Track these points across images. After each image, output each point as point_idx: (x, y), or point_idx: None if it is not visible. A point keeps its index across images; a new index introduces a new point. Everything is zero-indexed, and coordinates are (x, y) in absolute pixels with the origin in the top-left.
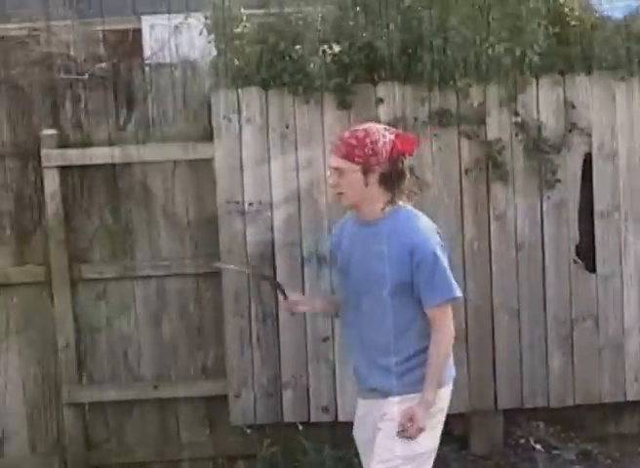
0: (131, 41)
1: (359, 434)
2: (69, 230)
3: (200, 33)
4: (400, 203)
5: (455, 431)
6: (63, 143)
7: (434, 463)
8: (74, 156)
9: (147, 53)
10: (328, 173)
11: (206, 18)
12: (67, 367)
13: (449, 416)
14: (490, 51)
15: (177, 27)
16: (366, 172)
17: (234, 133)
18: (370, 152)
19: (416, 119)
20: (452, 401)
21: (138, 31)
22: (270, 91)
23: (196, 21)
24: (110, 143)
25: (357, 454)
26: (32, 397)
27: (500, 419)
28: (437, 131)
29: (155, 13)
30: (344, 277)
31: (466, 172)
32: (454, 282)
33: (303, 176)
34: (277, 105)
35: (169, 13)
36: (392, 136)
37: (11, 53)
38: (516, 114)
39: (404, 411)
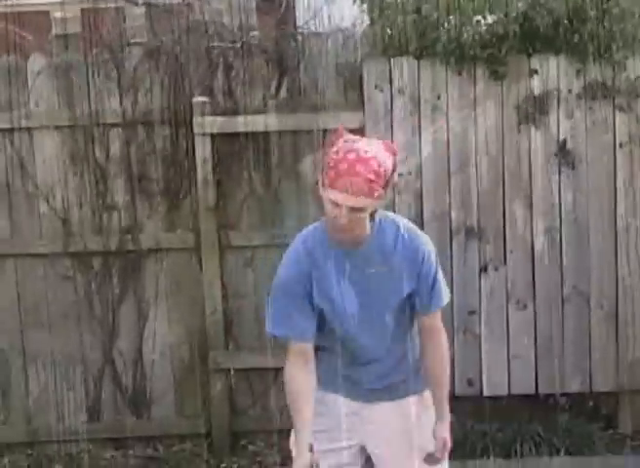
0: (283, 9)
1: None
2: (219, 197)
3: (353, 2)
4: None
5: (603, 409)
6: (215, 111)
7: (581, 440)
8: (226, 124)
9: (300, 21)
10: (335, 210)
11: None
12: (214, 332)
13: (598, 394)
14: None
15: None
16: (378, 201)
17: (385, 103)
18: (383, 183)
19: (570, 91)
20: (601, 379)
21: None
22: (422, 61)
23: None
24: (261, 111)
25: (501, 430)
26: (179, 361)
27: None
28: (590, 104)
29: None
30: (338, 311)
31: (620, 146)
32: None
33: (454, 148)
34: (429, 76)
35: None
36: (392, 156)
37: (165, 21)
38: None
39: (438, 438)
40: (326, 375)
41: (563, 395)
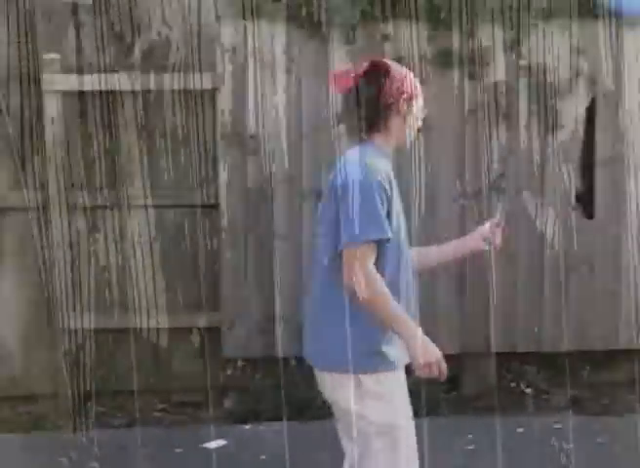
0: None
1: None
2: (68, 156)
3: None
4: None
5: (447, 371)
6: (65, 68)
7: (425, 402)
8: (76, 81)
9: None
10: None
11: None
12: (62, 293)
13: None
14: None
15: None
16: None
17: (239, 64)
18: None
19: (421, 58)
20: (444, 341)
21: None
22: (277, 24)
23: None
24: (112, 70)
25: None
26: (27, 321)
27: (493, 362)
28: (441, 70)
29: None
30: (400, 233)
31: (469, 113)
32: None
33: (306, 111)
34: (283, 39)
35: None
36: None
37: None
38: (522, 57)
39: None
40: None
41: None
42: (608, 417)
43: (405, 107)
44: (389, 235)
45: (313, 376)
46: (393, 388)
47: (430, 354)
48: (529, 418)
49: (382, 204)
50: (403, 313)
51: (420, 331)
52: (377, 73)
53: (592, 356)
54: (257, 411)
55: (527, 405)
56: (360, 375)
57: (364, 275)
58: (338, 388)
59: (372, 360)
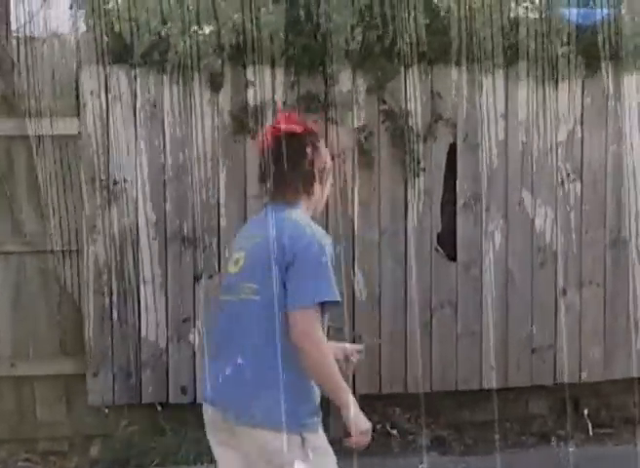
0: None
1: None
2: None
3: (70, 7)
4: None
5: None
6: None
7: None
8: None
9: (15, 25)
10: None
11: None
12: None
13: None
14: (360, 38)
15: (46, 0)
16: None
17: (102, 110)
18: None
19: (284, 103)
20: None
21: (5, 1)
22: (139, 69)
23: None
24: None
25: None
26: None
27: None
28: (305, 116)
29: None
30: None
31: (332, 157)
32: None
33: (170, 156)
34: (146, 84)
35: None
36: None
37: None
38: (384, 102)
39: None
40: None
41: None
42: (472, 457)
43: (325, 176)
44: (339, 298)
45: (178, 423)
46: (326, 441)
47: (365, 423)
48: (395, 459)
49: (332, 269)
50: (342, 380)
51: (353, 400)
52: (312, 137)
53: (456, 396)
54: (123, 459)
55: (393, 446)
56: (305, 434)
57: (317, 338)
58: (284, 448)
59: (315, 418)
